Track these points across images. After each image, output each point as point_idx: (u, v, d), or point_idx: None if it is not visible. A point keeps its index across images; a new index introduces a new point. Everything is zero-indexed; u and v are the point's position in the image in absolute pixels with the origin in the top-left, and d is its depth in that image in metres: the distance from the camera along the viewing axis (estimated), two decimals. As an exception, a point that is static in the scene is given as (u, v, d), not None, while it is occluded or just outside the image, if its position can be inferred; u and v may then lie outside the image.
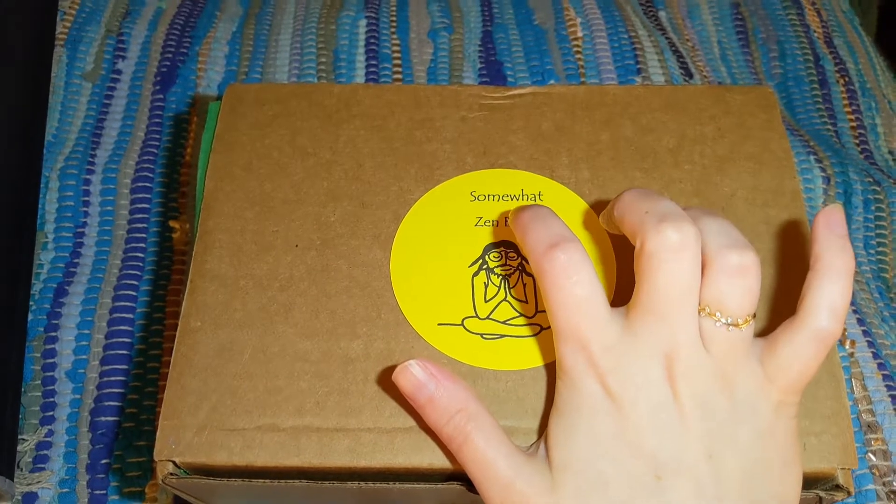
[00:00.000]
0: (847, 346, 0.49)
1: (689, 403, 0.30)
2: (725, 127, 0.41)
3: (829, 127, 0.64)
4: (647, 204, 0.32)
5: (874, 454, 0.46)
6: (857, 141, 0.63)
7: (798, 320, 0.31)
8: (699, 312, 0.31)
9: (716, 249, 0.31)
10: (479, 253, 0.38)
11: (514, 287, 0.37)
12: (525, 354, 0.35)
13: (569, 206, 0.39)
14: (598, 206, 0.39)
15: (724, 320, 0.30)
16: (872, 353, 0.49)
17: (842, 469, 0.34)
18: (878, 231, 0.57)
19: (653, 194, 0.33)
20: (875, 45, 0.71)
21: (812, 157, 0.59)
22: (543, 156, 0.41)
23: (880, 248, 0.56)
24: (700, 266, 0.30)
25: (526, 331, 0.36)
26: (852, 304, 0.51)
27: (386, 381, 0.35)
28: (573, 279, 0.31)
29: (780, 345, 0.31)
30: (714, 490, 0.30)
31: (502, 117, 0.42)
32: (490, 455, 0.31)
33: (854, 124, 0.64)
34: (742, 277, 0.30)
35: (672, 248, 0.30)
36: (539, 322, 0.36)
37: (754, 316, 0.31)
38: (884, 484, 0.45)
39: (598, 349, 0.31)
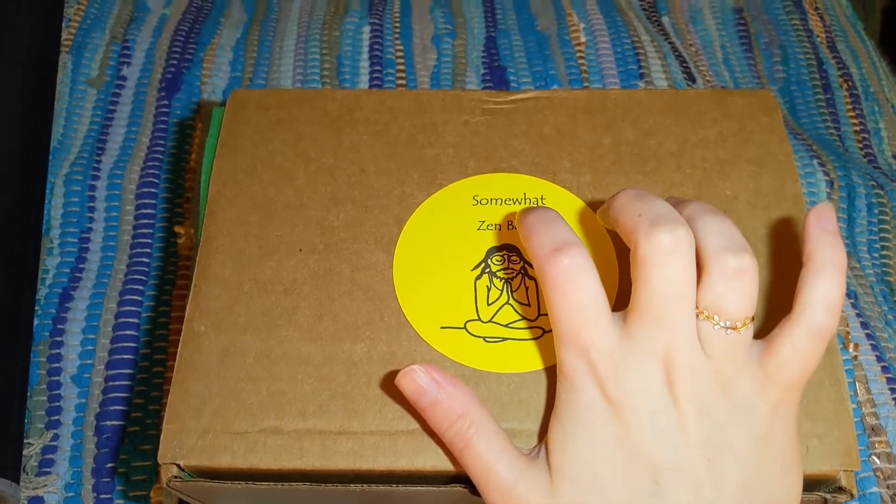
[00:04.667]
0: (851, 350, 0.49)
1: (687, 408, 0.30)
2: (727, 130, 0.41)
3: (833, 131, 0.64)
4: (640, 206, 0.32)
5: (878, 457, 0.46)
6: (860, 145, 0.63)
7: (794, 317, 0.31)
8: (697, 316, 0.31)
9: (713, 252, 0.31)
10: (482, 256, 0.38)
11: (516, 290, 0.37)
12: (527, 357, 0.36)
13: (571, 209, 0.39)
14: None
15: (722, 323, 0.30)
16: (876, 356, 0.49)
17: (844, 471, 0.34)
18: (881, 234, 0.57)
19: (647, 195, 0.33)
20: (878, 50, 0.71)
21: (815, 161, 0.59)
22: (545, 160, 0.41)
23: (884, 252, 0.56)
24: (695, 267, 0.30)
25: (528, 334, 0.36)
26: (856, 307, 0.51)
27: (389, 384, 0.35)
28: (576, 285, 0.31)
29: (778, 343, 0.31)
30: (712, 495, 0.30)
31: (504, 122, 0.42)
32: (492, 460, 0.31)
33: (857, 128, 0.64)
34: (740, 280, 0.30)
35: (664, 251, 0.30)
36: (541, 325, 0.36)
37: (752, 319, 0.31)
38: (888, 486, 0.45)
39: (598, 355, 0.31)
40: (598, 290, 0.31)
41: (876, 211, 0.57)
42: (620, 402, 0.30)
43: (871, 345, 0.49)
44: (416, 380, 0.32)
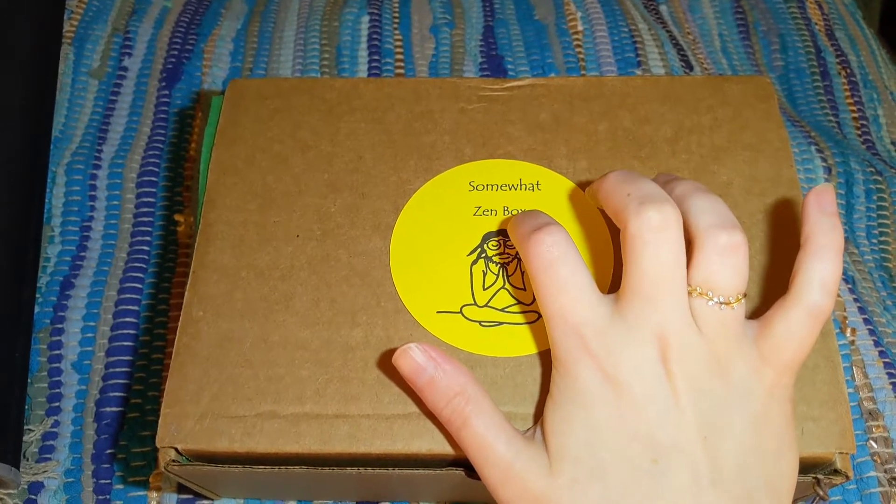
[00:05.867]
0: (848, 334, 0.49)
1: (683, 385, 0.30)
2: (723, 117, 0.42)
3: (831, 118, 0.64)
4: (629, 186, 0.32)
5: (875, 441, 0.46)
6: (859, 132, 0.63)
7: (790, 298, 0.31)
8: (690, 293, 0.31)
9: (704, 229, 0.31)
10: (478, 242, 0.38)
11: (512, 275, 0.37)
12: (522, 341, 0.36)
13: (566, 195, 0.39)
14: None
15: (715, 299, 0.30)
16: (874, 340, 0.49)
17: (840, 454, 0.34)
18: (880, 220, 0.57)
19: (635, 176, 0.33)
20: (877, 38, 0.71)
21: (813, 148, 0.59)
22: (541, 146, 0.41)
23: (882, 238, 0.56)
24: (683, 245, 0.31)
25: (523, 318, 0.36)
26: (853, 292, 0.51)
27: (385, 368, 0.35)
28: (559, 263, 0.31)
29: (773, 323, 0.31)
30: (710, 473, 0.30)
31: (501, 109, 0.42)
32: (489, 438, 0.31)
33: (856, 115, 0.64)
34: (732, 256, 0.30)
35: (653, 229, 0.30)
36: (536, 309, 0.36)
37: (745, 295, 0.31)
38: (885, 471, 0.45)
39: (589, 332, 0.31)
40: (580, 265, 0.31)
41: (874, 197, 0.57)
42: (616, 382, 0.30)
43: (869, 329, 0.50)
44: (414, 357, 0.32)
